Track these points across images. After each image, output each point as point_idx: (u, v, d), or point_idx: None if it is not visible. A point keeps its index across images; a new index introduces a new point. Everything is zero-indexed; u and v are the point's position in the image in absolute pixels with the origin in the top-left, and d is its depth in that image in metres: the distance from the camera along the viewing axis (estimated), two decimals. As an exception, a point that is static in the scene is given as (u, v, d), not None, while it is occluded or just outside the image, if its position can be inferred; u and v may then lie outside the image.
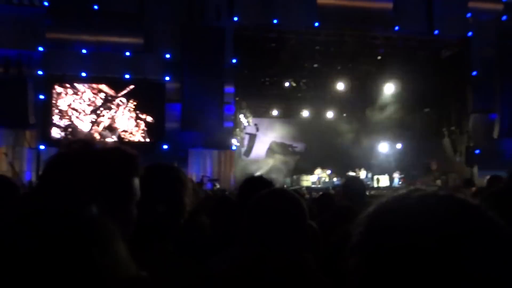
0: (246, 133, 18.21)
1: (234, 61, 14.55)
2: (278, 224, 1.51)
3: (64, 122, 13.29)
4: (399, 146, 20.57)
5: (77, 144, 1.19)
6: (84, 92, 13.44)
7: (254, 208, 1.61)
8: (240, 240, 1.59)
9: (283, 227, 1.51)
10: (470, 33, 15.74)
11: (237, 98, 16.09)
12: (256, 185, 2.43)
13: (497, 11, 15.73)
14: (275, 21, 14.69)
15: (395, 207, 0.63)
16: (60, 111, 13.29)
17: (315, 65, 17.53)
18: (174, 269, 1.62)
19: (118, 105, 13.58)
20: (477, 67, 15.77)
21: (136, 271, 0.83)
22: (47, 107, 13.16)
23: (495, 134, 15.25)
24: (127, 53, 13.42)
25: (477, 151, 15.66)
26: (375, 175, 18.35)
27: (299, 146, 20.67)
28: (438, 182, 16.87)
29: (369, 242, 0.62)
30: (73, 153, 1.17)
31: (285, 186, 15.75)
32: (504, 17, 15.64)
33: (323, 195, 4.89)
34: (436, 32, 15.56)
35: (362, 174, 18.07)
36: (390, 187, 16.79)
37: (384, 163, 19.73)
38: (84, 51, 13.16)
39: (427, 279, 0.56)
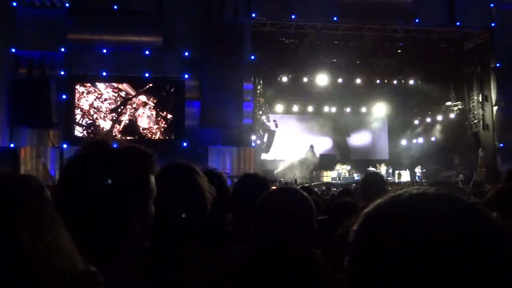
0: (265, 130, 18.20)
1: (252, 57, 14.56)
2: (285, 221, 1.55)
3: (86, 121, 13.54)
4: (420, 140, 20.29)
5: (94, 145, 1.22)
6: (105, 91, 13.65)
7: (262, 206, 1.64)
8: (250, 236, 1.63)
9: (290, 225, 1.54)
10: (493, 24, 15.39)
11: (256, 95, 16.11)
12: (250, 182, 2.45)
13: (521, 1, 15.34)
14: (293, 17, 14.64)
15: (385, 207, 0.63)
16: (82, 110, 13.53)
17: (334, 60, 17.40)
18: (196, 266, 1.65)
19: (138, 104, 13.76)
20: (500, 58, 15.42)
21: (82, 265, 0.70)
22: (69, 107, 13.42)
23: (520, 127, 14.89)
24: (147, 52, 13.57)
25: (501, 145, 15.33)
26: (396, 170, 18.15)
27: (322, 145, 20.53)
28: (461, 176, 16.58)
29: (358, 241, 0.62)
30: (90, 153, 1.20)
31: (302, 182, 15.72)
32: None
33: (342, 191, 4.88)
34: (458, 23, 15.26)
35: (383, 169, 17.89)
36: (411, 182, 16.58)
37: (405, 157, 19.50)
38: (104, 51, 13.36)
39: (413, 280, 0.55)
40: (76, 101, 13.47)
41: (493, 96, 15.79)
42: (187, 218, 1.68)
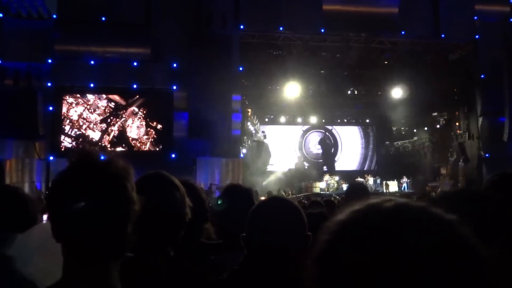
0: (254, 141, 18.21)
1: (240, 68, 14.62)
2: (276, 230, 1.56)
3: (75, 132, 13.43)
4: (407, 150, 20.46)
5: (76, 161, 1.20)
6: (95, 102, 13.58)
7: (255, 214, 1.66)
8: (240, 245, 1.63)
9: (281, 233, 1.55)
10: (477, 36, 15.68)
11: (244, 106, 16.14)
12: (234, 192, 2.46)
13: (504, 13, 15.66)
14: (281, 28, 14.76)
15: (349, 219, 0.61)
16: (71, 121, 13.43)
17: (322, 71, 17.55)
18: (176, 275, 1.64)
19: (128, 114, 13.70)
20: (485, 70, 15.68)
21: None
22: (56, 119, 13.31)
23: (505, 137, 15.10)
24: (135, 63, 13.55)
25: (486, 155, 15.52)
26: (384, 180, 18.26)
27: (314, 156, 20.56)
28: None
29: (331, 256, 0.59)
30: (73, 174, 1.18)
31: (288, 193, 15.73)
32: (511, 19, 15.55)
33: (326, 202, 4.90)
34: (442, 35, 15.52)
35: (371, 180, 17.97)
36: (398, 192, 16.68)
37: (393, 168, 19.63)
38: (92, 62, 13.31)
39: None
40: (65, 111, 13.37)
41: (478, 106, 16.03)
42: (165, 229, 1.67)
